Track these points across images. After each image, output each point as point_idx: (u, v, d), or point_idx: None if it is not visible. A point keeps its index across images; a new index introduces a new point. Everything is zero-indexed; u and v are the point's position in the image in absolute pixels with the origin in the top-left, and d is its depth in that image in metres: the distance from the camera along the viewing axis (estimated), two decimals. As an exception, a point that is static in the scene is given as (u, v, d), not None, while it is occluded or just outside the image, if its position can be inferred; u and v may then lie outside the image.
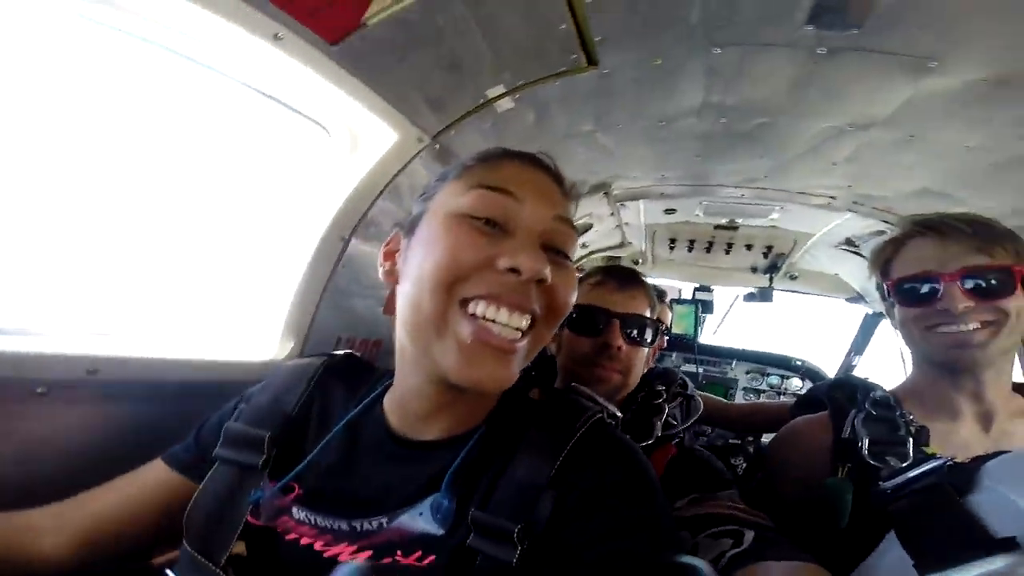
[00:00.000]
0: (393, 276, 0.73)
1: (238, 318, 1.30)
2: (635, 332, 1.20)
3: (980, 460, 0.73)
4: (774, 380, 3.17)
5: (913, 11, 0.92)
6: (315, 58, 0.87)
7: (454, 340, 0.63)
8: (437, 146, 1.26)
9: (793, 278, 2.77)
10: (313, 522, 0.69)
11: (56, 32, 0.78)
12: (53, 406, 0.87)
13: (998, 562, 0.58)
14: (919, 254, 1.00)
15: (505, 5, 0.95)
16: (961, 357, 0.95)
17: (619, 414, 1.06)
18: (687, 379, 1.41)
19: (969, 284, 0.93)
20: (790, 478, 1.09)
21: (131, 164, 1.13)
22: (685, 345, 3.17)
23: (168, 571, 0.69)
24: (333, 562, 0.65)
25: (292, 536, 0.69)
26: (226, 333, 1.28)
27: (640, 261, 2.95)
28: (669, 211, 2.22)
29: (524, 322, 0.64)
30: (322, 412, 0.80)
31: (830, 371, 3.15)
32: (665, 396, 1.24)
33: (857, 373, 2.94)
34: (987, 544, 0.61)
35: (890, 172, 1.54)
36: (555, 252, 0.69)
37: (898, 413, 0.99)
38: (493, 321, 0.62)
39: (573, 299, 0.72)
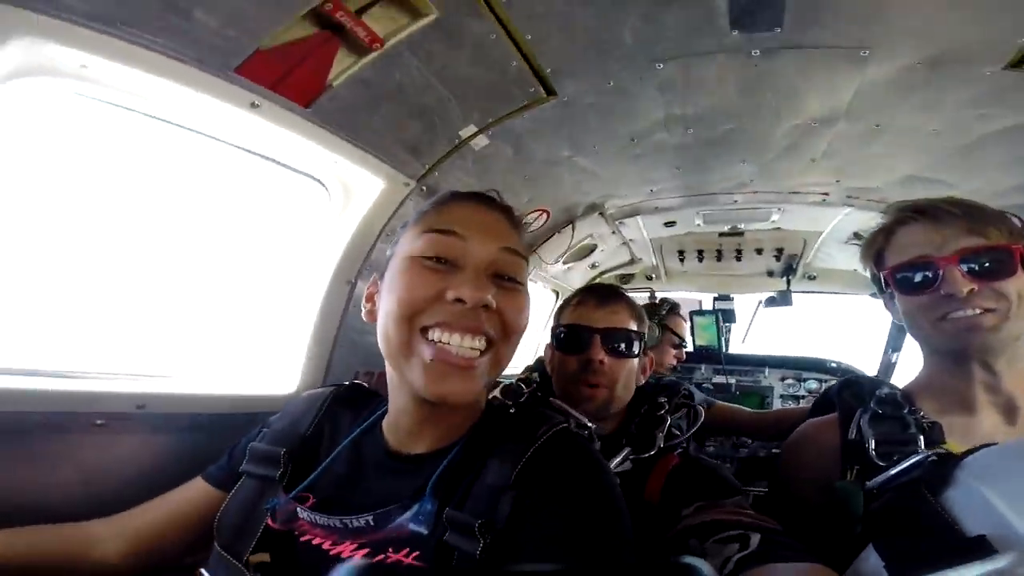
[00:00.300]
0: (373, 315, 0.83)
1: (265, 359, 1.46)
2: (618, 345, 1.24)
3: (965, 455, 0.71)
4: (812, 385, 3.03)
5: (831, 3, 0.98)
6: (293, 121, 1.03)
7: (419, 362, 0.72)
8: (424, 188, 1.41)
9: (812, 278, 2.72)
10: (320, 523, 0.79)
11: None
12: (109, 435, 1.05)
13: (984, 565, 0.55)
14: (912, 239, 0.96)
15: (454, 56, 1.09)
16: (972, 342, 0.90)
17: (591, 425, 1.10)
18: (692, 390, 1.42)
19: (968, 266, 0.89)
20: (803, 483, 1.06)
21: (175, 236, 1.34)
22: (712, 356, 3.13)
23: (202, 570, 0.82)
24: (338, 559, 0.75)
25: (306, 537, 0.80)
26: (254, 372, 1.44)
27: (653, 276, 2.98)
28: (669, 224, 2.27)
29: (478, 343, 0.73)
30: (332, 433, 0.92)
31: (872, 372, 3.00)
32: (667, 408, 1.26)
33: (900, 370, 2.79)
34: (956, 544, 0.60)
35: (871, 163, 1.55)
36: (505, 279, 0.78)
37: (906, 410, 0.94)
38: (449, 343, 0.72)
39: (525, 319, 0.80)
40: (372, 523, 0.74)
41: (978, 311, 0.88)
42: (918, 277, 0.94)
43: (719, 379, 3.16)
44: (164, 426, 1.14)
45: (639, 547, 0.88)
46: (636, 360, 1.28)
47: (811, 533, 0.88)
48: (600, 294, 1.32)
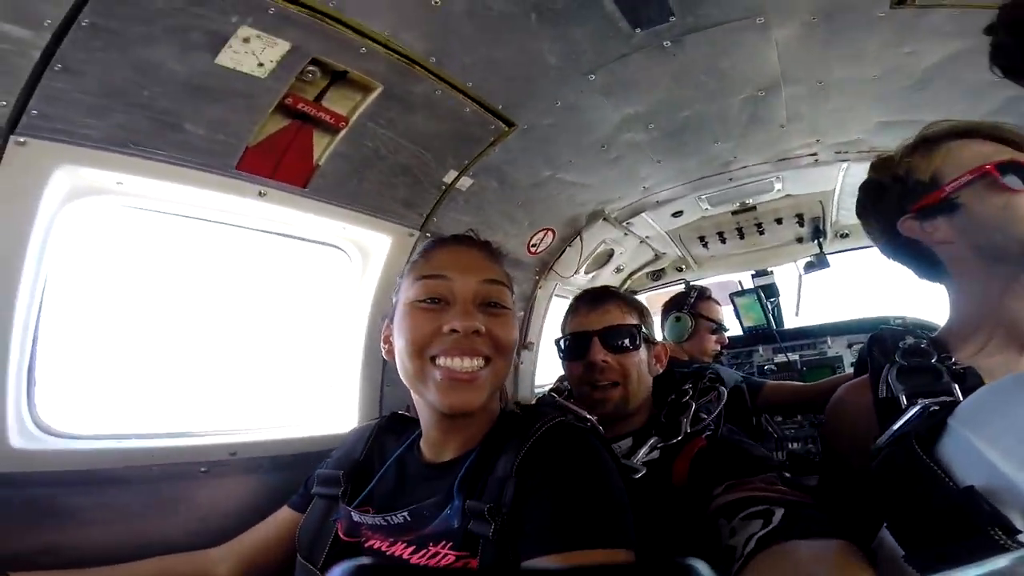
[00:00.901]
0: (391, 353, 1.00)
1: (329, 403, 1.71)
2: (618, 342, 1.30)
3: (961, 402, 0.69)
4: None
5: None
6: (297, 200, 1.26)
7: (433, 383, 0.89)
8: (428, 234, 1.62)
9: (844, 236, 2.64)
10: (369, 523, 0.96)
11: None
12: (212, 480, 1.29)
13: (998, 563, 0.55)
14: (979, 151, 0.90)
15: (413, 116, 1.28)
16: None
17: (590, 418, 1.14)
18: (719, 373, 1.42)
19: None
20: (844, 450, 1.01)
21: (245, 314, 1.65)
22: (767, 336, 3.02)
23: None
24: (393, 558, 0.91)
25: (369, 543, 0.97)
26: (322, 415, 1.69)
27: (683, 267, 2.99)
28: (676, 214, 2.33)
29: (476, 362, 0.89)
30: (381, 455, 1.12)
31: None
32: (692, 393, 1.29)
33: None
34: (944, 497, 0.59)
35: (838, 118, 1.57)
36: (491, 305, 0.93)
37: (935, 359, 0.87)
38: (453, 365, 0.88)
39: (514, 336, 0.95)
40: (408, 518, 0.89)
41: None
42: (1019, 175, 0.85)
43: (781, 358, 3.03)
44: (254, 468, 1.37)
45: (669, 530, 0.96)
46: (641, 352, 1.32)
47: (859, 502, 0.86)
48: (590, 298, 1.39)
